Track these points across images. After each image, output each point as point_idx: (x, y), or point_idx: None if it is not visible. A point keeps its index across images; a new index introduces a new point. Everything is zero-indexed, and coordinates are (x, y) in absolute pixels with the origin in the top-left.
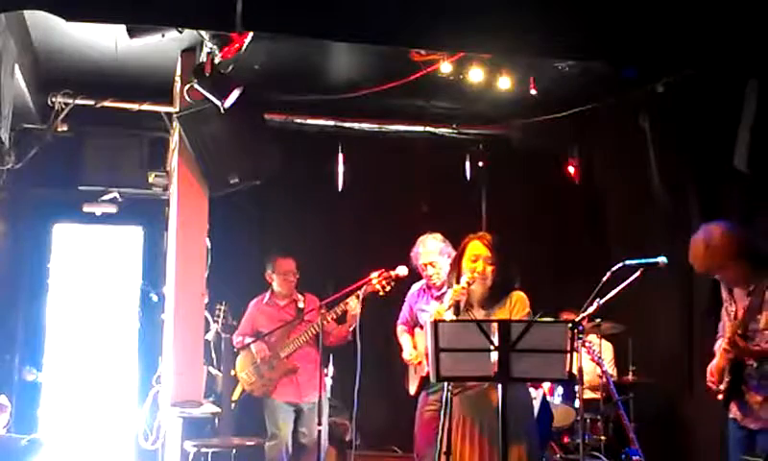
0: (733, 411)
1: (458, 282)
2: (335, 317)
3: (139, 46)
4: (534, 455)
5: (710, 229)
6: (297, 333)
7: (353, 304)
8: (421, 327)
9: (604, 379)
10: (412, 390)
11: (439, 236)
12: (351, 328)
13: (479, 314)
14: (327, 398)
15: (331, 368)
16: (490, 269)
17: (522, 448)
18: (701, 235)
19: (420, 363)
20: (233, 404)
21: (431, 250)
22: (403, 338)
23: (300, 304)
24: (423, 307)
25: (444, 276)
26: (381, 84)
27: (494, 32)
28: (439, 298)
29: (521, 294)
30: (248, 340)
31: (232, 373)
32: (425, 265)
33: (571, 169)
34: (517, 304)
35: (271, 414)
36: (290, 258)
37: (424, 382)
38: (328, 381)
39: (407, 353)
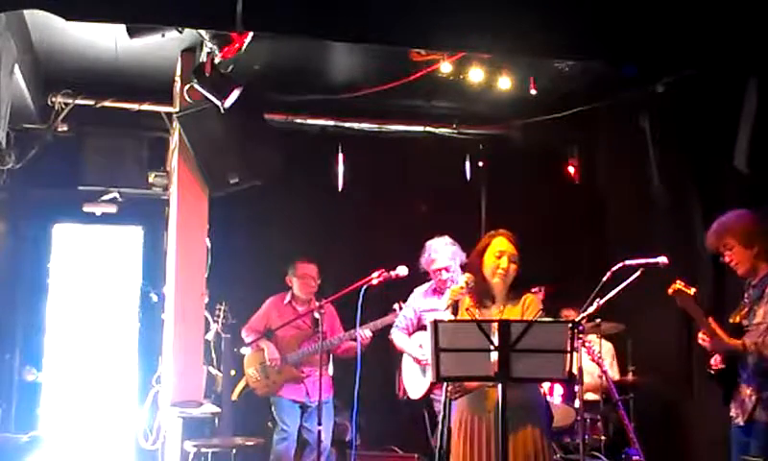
0: (733, 409)
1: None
2: (349, 338)
3: (139, 46)
4: (547, 440)
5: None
6: (308, 345)
7: (367, 334)
8: None
9: (604, 379)
10: (416, 394)
11: (449, 240)
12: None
13: (495, 309)
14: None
15: (331, 367)
16: (513, 267)
17: (537, 431)
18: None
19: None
20: (237, 399)
21: (445, 255)
22: (402, 338)
23: (317, 316)
24: (435, 307)
25: (458, 279)
26: (381, 85)
27: (494, 32)
28: None
29: (534, 296)
30: (263, 343)
31: (232, 373)
32: (439, 270)
33: (571, 169)
34: (530, 307)
35: (279, 410)
36: (311, 263)
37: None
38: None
39: (419, 353)
